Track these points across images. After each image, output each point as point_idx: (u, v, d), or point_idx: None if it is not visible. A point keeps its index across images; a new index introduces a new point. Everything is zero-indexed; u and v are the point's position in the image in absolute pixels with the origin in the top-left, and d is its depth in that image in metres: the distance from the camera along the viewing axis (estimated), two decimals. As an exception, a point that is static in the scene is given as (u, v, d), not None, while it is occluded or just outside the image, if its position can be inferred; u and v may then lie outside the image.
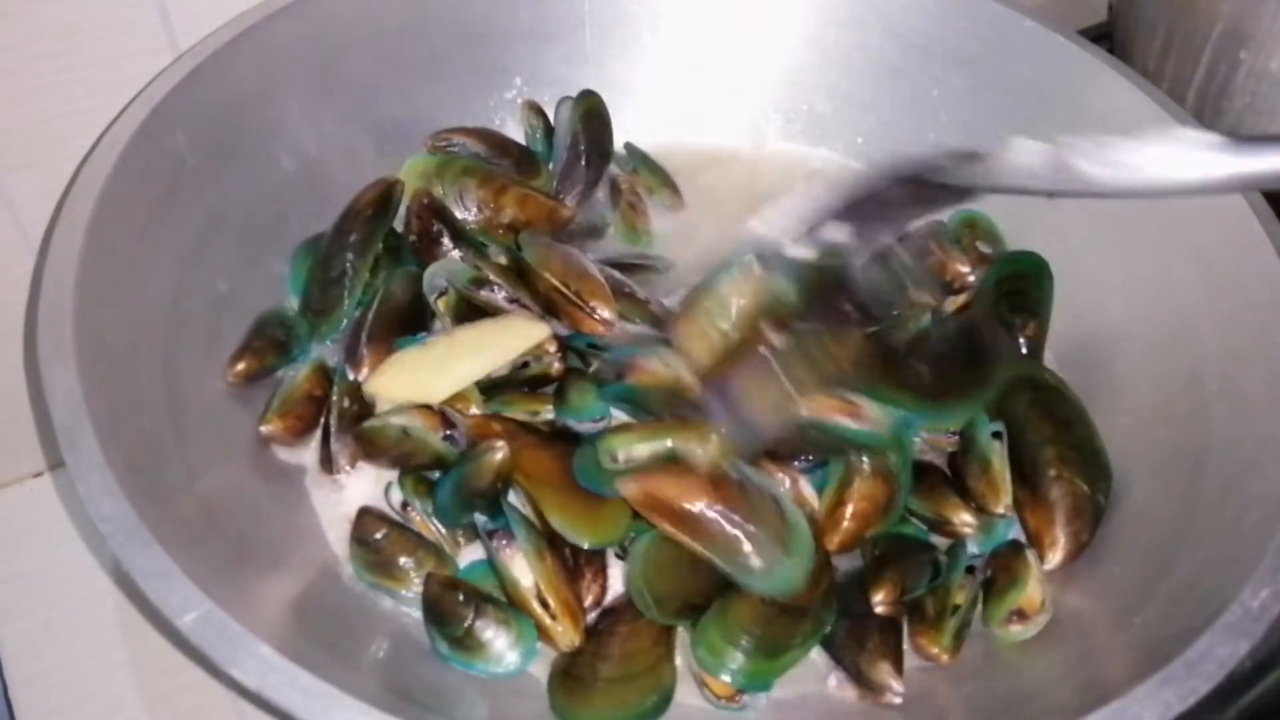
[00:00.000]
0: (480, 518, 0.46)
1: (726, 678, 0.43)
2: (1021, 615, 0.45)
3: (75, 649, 0.53)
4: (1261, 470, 0.43)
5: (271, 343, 0.50)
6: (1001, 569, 0.47)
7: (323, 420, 0.50)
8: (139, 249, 0.45)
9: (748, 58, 0.64)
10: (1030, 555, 0.47)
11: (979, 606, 0.47)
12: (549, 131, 0.62)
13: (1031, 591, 0.46)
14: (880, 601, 0.45)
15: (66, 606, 0.54)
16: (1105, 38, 0.74)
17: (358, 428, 0.48)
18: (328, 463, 0.49)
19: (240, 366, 0.49)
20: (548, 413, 0.50)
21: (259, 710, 0.49)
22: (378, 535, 0.46)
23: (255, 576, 0.41)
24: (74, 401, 0.38)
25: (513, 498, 0.46)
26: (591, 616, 0.46)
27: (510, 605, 0.44)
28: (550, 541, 0.45)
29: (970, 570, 0.47)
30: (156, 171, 0.47)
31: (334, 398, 0.50)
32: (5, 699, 0.51)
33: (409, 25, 0.57)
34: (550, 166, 0.61)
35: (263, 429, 0.48)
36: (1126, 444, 0.50)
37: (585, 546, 0.45)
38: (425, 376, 0.48)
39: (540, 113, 0.62)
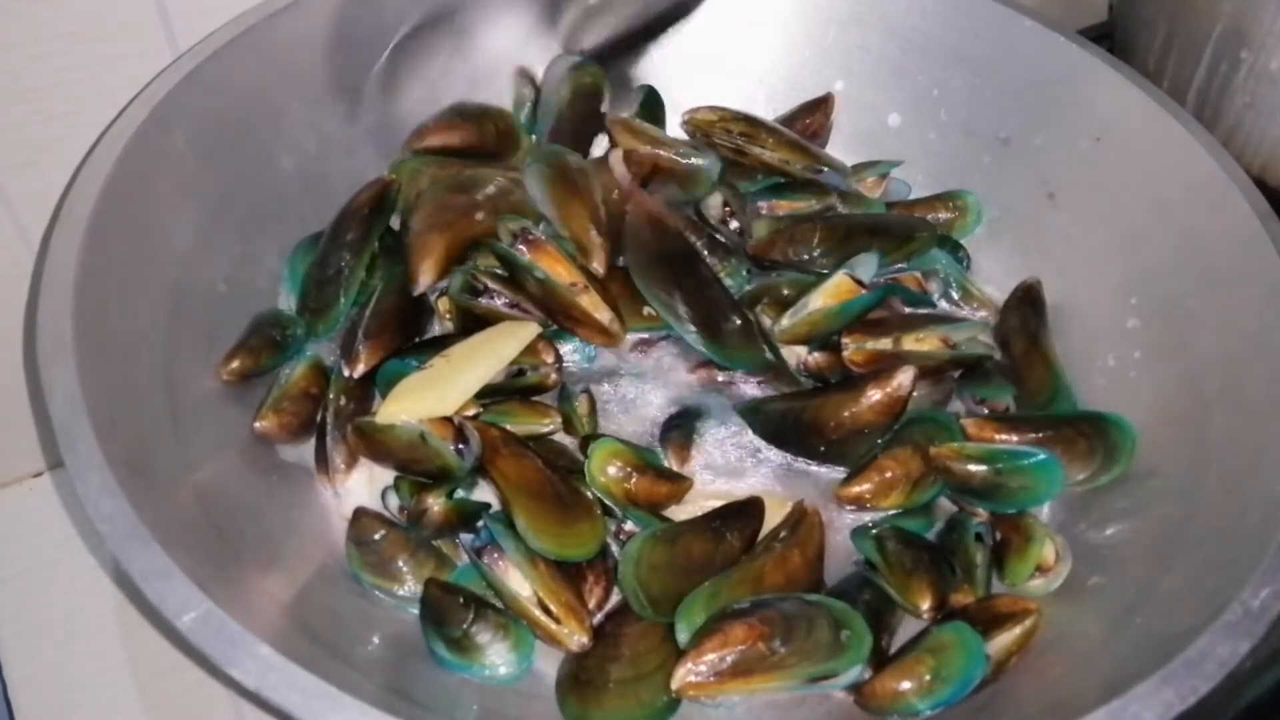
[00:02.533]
0: (466, 537, 0.46)
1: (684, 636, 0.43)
2: (1041, 570, 0.47)
3: (75, 649, 0.53)
4: (1261, 470, 0.43)
5: (267, 341, 0.50)
6: (1011, 530, 0.48)
7: (319, 418, 0.50)
8: (138, 249, 0.45)
9: (748, 57, 0.64)
10: (1034, 515, 0.49)
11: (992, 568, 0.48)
12: (539, 103, 0.62)
13: (1046, 549, 0.48)
14: (928, 610, 0.45)
15: (66, 606, 0.54)
16: (1106, 37, 0.74)
17: (362, 420, 0.48)
18: (324, 462, 0.49)
19: (235, 364, 0.48)
20: (547, 425, 0.50)
21: (258, 710, 0.49)
22: (375, 536, 0.46)
23: (254, 576, 0.41)
24: (73, 401, 0.38)
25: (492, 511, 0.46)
26: (598, 619, 0.45)
27: (510, 614, 0.44)
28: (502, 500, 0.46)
29: (979, 538, 0.48)
30: (156, 172, 0.47)
31: (330, 395, 0.50)
32: (5, 699, 0.51)
33: (408, 25, 0.57)
34: (532, 139, 0.61)
35: (257, 425, 0.48)
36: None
37: (550, 557, 0.45)
38: (434, 393, 0.48)
39: (531, 82, 0.62)
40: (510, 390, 0.51)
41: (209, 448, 0.46)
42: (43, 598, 0.54)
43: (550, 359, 0.51)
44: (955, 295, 0.58)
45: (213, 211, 0.50)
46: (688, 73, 0.63)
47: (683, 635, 0.43)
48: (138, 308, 0.45)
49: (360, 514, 0.47)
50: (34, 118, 0.50)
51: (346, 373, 0.50)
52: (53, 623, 0.53)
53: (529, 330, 0.51)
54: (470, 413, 0.49)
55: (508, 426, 0.49)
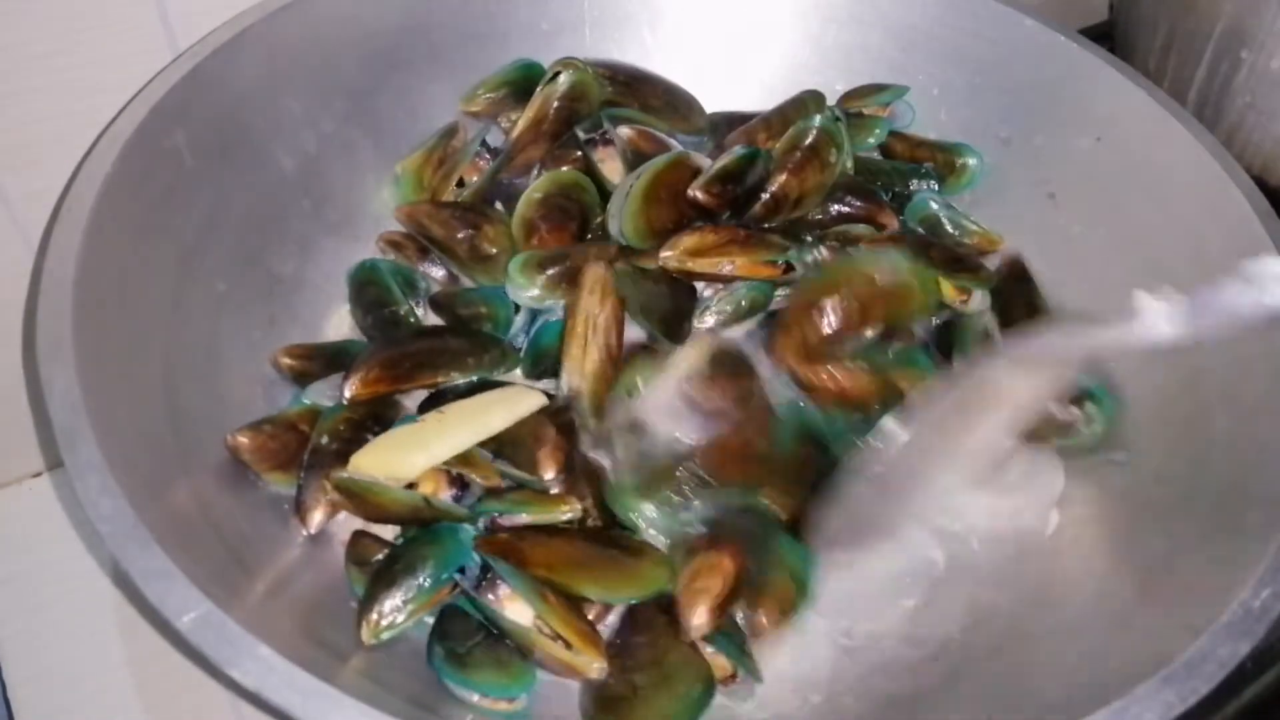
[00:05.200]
0: (458, 575, 0.44)
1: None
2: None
3: (75, 649, 0.53)
4: (1261, 470, 0.43)
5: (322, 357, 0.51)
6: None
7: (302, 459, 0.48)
8: (138, 249, 0.45)
9: (748, 57, 0.64)
10: None
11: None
12: None
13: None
14: None
15: (66, 606, 0.54)
16: (1106, 37, 0.74)
17: (346, 479, 0.45)
18: (300, 500, 0.47)
19: (288, 360, 0.50)
20: (565, 514, 0.46)
21: (258, 711, 0.49)
22: (377, 558, 0.45)
23: (254, 577, 0.41)
24: (73, 401, 0.38)
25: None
26: (605, 633, 0.45)
27: (521, 651, 0.43)
28: (545, 582, 0.44)
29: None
30: (156, 171, 0.47)
31: (314, 433, 0.48)
32: (4, 699, 0.51)
33: (409, 25, 0.57)
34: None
35: (229, 438, 0.46)
36: (1127, 444, 0.50)
37: (636, 602, 0.45)
38: (405, 455, 0.46)
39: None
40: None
41: (210, 448, 0.46)
42: (43, 598, 0.54)
43: (551, 473, 0.47)
44: (958, 235, 0.58)
45: (213, 211, 0.50)
46: (688, 73, 0.63)
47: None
48: (138, 308, 0.45)
49: (359, 535, 0.47)
50: (34, 118, 0.50)
51: (346, 393, 0.48)
52: (53, 623, 0.53)
53: (530, 402, 0.48)
54: (495, 482, 0.47)
55: (524, 516, 0.46)
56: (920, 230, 0.59)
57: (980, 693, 0.43)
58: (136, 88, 0.48)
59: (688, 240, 0.53)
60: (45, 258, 0.42)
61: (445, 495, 0.47)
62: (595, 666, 0.43)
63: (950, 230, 0.58)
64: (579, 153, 0.58)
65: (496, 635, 0.43)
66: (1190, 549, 0.43)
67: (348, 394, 0.48)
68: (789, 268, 0.54)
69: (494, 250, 0.55)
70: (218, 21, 0.51)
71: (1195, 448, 0.47)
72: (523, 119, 0.59)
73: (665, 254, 0.52)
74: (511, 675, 0.43)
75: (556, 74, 0.58)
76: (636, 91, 0.61)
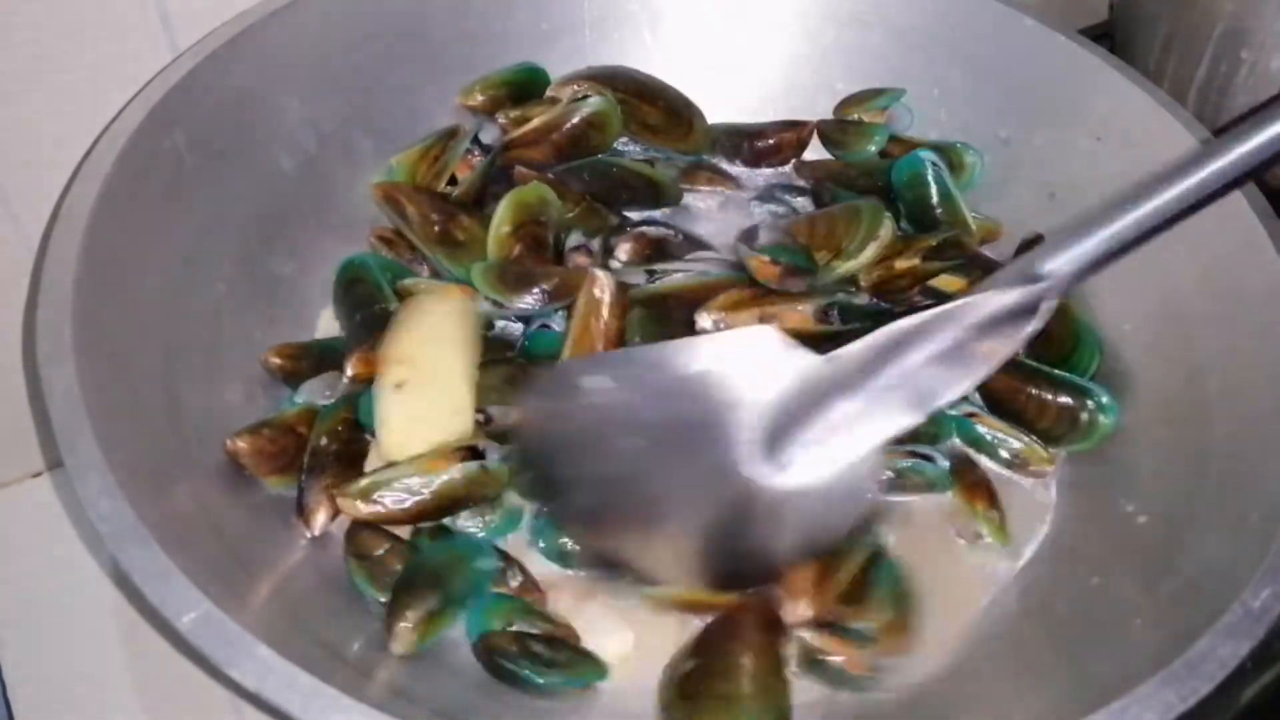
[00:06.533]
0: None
1: None
2: None
3: (74, 649, 0.53)
4: (1262, 470, 0.43)
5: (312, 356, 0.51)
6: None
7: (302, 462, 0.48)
8: (138, 249, 0.45)
9: (747, 57, 0.64)
10: None
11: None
12: None
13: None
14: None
15: (66, 606, 0.54)
16: (1106, 37, 0.74)
17: (350, 487, 0.45)
18: (300, 503, 0.47)
19: (276, 360, 0.50)
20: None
21: (258, 711, 0.49)
22: (379, 552, 0.45)
23: (254, 577, 0.41)
24: (73, 401, 0.38)
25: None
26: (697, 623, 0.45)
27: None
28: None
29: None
30: (155, 171, 0.47)
31: (312, 435, 0.48)
32: (4, 699, 0.51)
33: (408, 25, 0.57)
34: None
35: (228, 443, 0.46)
36: (1126, 443, 0.50)
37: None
38: (435, 418, 0.46)
39: None
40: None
41: (210, 448, 0.46)
42: (43, 598, 0.54)
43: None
44: (938, 204, 0.58)
45: (212, 211, 0.50)
46: (687, 72, 0.63)
47: None
48: (138, 308, 0.45)
49: (357, 529, 0.46)
50: (34, 118, 0.50)
51: (349, 372, 0.49)
52: (53, 623, 0.53)
53: (456, 294, 0.49)
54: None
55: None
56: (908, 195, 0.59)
57: (981, 694, 0.43)
58: (136, 88, 0.48)
59: (722, 298, 0.51)
60: (45, 258, 0.42)
61: (457, 468, 0.46)
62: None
63: (934, 194, 0.58)
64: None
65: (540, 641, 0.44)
66: (1190, 549, 0.43)
67: (349, 373, 0.49)
68: (827, 310, 0.53)
69: (463, 239, 0.54)
70: (218, 21, 0.51)
71: (1195, 448, 0.47)
72: (538, 118, 0.58)
73: (703, 318, 0.50)
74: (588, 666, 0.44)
75: (587, 95, 0.59)
76: (635, 110, 0.60)
